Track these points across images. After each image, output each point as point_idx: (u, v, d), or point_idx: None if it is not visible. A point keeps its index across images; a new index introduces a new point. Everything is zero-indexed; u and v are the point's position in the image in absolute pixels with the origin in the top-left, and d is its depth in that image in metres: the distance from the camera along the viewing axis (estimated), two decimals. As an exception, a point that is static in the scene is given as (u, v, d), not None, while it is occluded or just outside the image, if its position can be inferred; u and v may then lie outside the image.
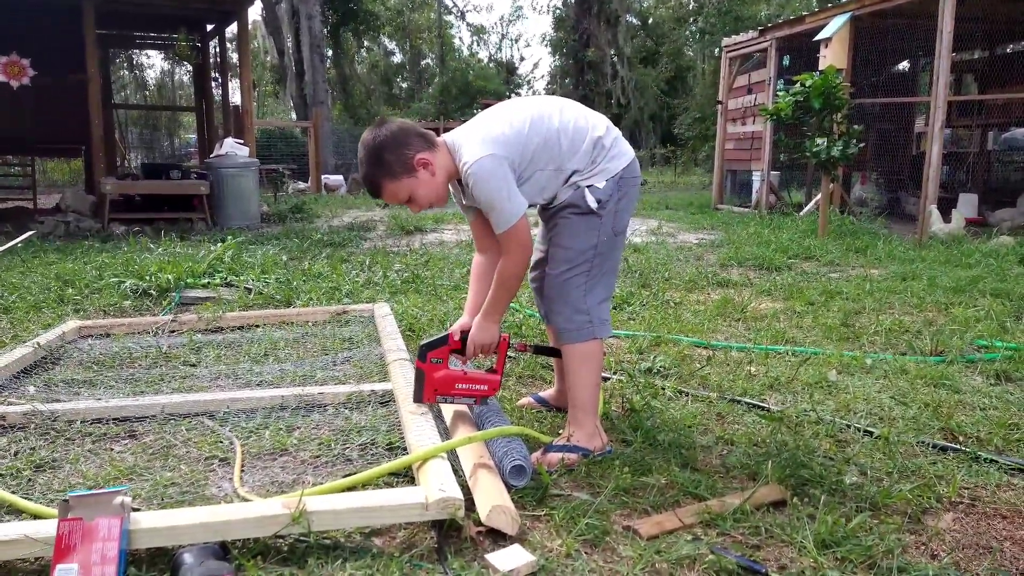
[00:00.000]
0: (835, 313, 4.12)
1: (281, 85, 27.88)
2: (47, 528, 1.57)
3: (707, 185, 17.19)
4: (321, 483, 2.00)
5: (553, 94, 33.75)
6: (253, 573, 1.56)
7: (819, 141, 7.15)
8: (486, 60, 41.23)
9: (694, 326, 3.86)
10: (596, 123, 2.23)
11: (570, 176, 2.19)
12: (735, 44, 11.52)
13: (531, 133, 2.13)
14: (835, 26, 8.45)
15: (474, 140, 2.11)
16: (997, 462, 2.18)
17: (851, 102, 7.66)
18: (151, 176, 9.33)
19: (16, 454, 2.22)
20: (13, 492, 1.92)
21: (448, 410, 2.39)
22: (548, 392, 2.68)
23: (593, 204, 2.17)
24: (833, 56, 8.31)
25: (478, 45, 45.43)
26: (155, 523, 1.60)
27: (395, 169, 2.11)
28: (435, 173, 2.14)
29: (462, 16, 40.97)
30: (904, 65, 11.63)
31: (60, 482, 2.04)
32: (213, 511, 1.66)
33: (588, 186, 2.18)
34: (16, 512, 1.84)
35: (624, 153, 2.24)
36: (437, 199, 2.19)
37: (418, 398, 2.27)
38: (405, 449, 2.18)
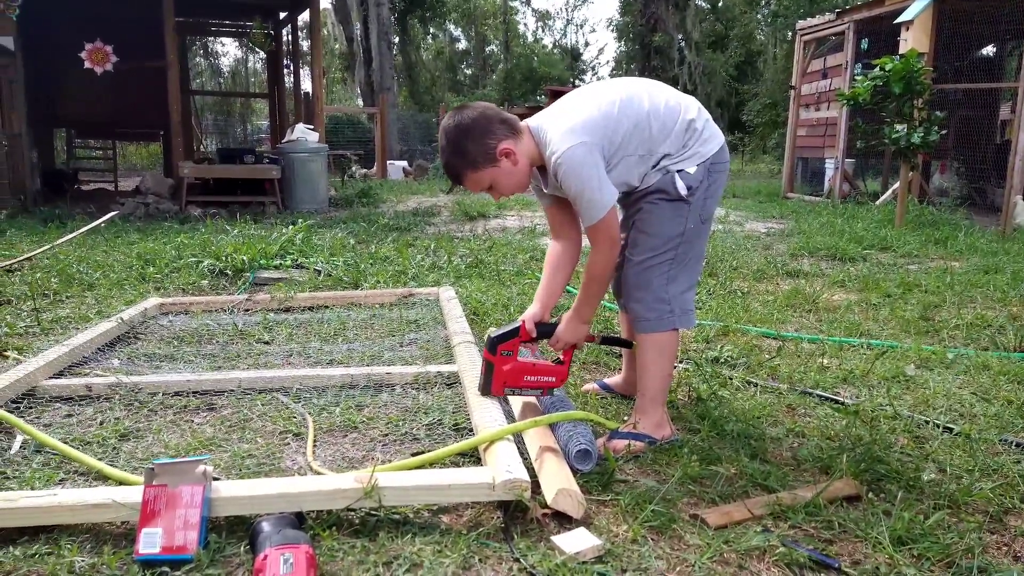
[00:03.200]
0: (913, 306, 3.97)
1: (349, 72, 28.31)
2: (134, 494, 1.64)
3: (776, 173, 16.77)
4: (390, 460, 2.05)
5: (619, 80, 33.28)
6: (328, 543, 1.60)
7: (899, 128, 6.89)
8: (550, 46, 41.07)
9: (763, 316, 3.78)
10: (688, 104, 2.14)
11: (660, 160, 2.10)
12: (810, 27, 11.17)
13: (620, 116, 2.04)
14: (917, 8, 8.10)
15: (562, 127, 2.02)
16: (1088, 464, 2.07)
17: (933, 87, 7.34)
18: (226, 160, 9.61)
19: (102, 423, 2.33)
20: (100, 459, 2.02)
21: (515, 392, 2.39)
22: (614, 379, 2.66)
23: (683, 190, 2.08)
24: (915, 39, 7.98)
25: (543, 31, 45.29)
26: (235, 492, 1.66)
27: (477, 160, 2.03)
28: (518, 162, 2.07)
29: (527, 2, 40.87)
30: (990, 49, 11.10)
31: (143, 451, 2.13)
32: (290, 482, 1.71)
33: (679, 171, 2.09)
34: (102, 478, 1.93)
35: (715, 136, 2.15)
36: (519, 187, 2.13)
37: (485, 391, 2.21)
38: (471, 430, 2.21)
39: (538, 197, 2.31)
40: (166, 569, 1.52)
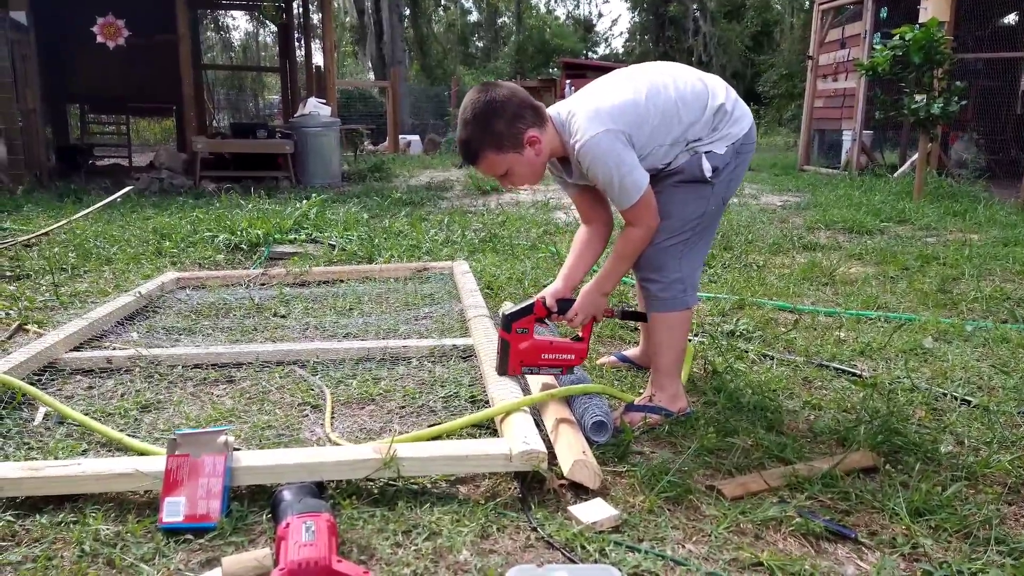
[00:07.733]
0: (931, 279, 3.94)
1: (360, 45, 28.11)
2: (156, 463, 1.67)
3: (792, 146, 16.59)
4: (407, 431, 2.06)
5: (632, 51, 32.71)
6: (348, 511, 1.62)
7: (918, 98, 6.78)
8: (563, 17, 40.56)
9: (779, 290, 3.76)
10: (715, 88, 2.09)
11: (689, 143, 2.06)
12: (828, -4, 10.97)
13: (648, 105, 1.99)
14: (939, -25, 7.92)
15: (586, 114, 1.96)
16: (1108, 436, 2.06)
17: (953, 57, 7.21)
18: (239, 135, 9.59)
19: (123, 395, 2.36)
20: (121, 430, 2.05)
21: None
22: (632, 351, 2.66)
23: (708, 172, 2.04)
24: (935, 8, 7.81)
25: (555, 2, 44.66)
26: (256, 462, 1.68)
27: (504, 142, 1.96)
28: (541, 152, 2.02)
29: (540, -28, 40.22)
30: (1012, 18, 10.87)
31: (164, 422, 2.16)
32: (309, 453, 1.73)
33: (707, 152, 2.05)
34: (123, 449, 1.96)
35: (745, 116, 2.11)
36: (533, 179, 2.07)
37: (503, 371, 2.17)
38: (487, 402, 2.22)
39: (562, 187, 2.28)
40: (190, 536, 1.54)
